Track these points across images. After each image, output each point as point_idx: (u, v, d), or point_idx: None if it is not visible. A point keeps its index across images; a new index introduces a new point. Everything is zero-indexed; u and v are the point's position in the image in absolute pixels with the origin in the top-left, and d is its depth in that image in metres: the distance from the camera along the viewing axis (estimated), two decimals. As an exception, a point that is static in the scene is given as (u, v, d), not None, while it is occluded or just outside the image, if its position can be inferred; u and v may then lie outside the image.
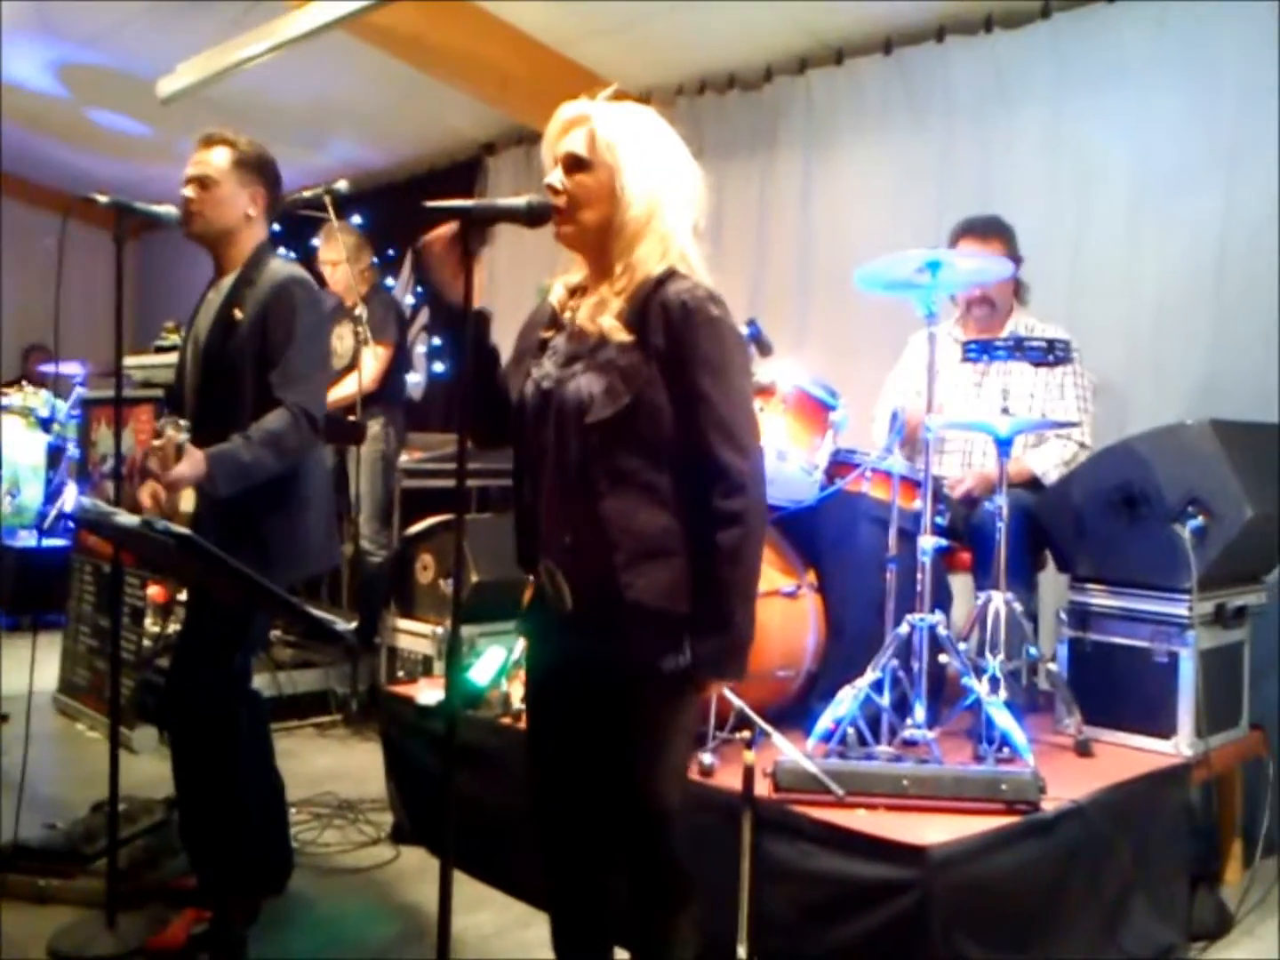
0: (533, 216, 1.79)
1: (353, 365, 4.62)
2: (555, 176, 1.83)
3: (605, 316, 1.79)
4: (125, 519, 2.01)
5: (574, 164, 1.82)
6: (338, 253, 4.77)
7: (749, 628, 1.80)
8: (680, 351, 1.76)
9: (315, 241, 5.00)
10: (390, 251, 6.36)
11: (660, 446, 1.78)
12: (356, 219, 5.03)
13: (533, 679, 2.04)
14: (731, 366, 1.80)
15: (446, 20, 4.81)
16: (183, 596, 3.99)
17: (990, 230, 3.35)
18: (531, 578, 1.92)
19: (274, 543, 2.58)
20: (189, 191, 2.65)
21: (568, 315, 1.90)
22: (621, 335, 1.77)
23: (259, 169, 2.70)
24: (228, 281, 2.68)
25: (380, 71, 5.24)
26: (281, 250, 2.80)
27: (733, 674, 1.83)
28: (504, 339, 2.00)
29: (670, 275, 1.80)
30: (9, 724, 4.20)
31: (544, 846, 1.99)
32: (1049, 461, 3.28)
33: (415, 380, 6.25)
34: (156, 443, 2.33)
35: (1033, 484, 3.27)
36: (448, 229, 1.77)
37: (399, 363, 5.08)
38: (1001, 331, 3.39)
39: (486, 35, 4.92)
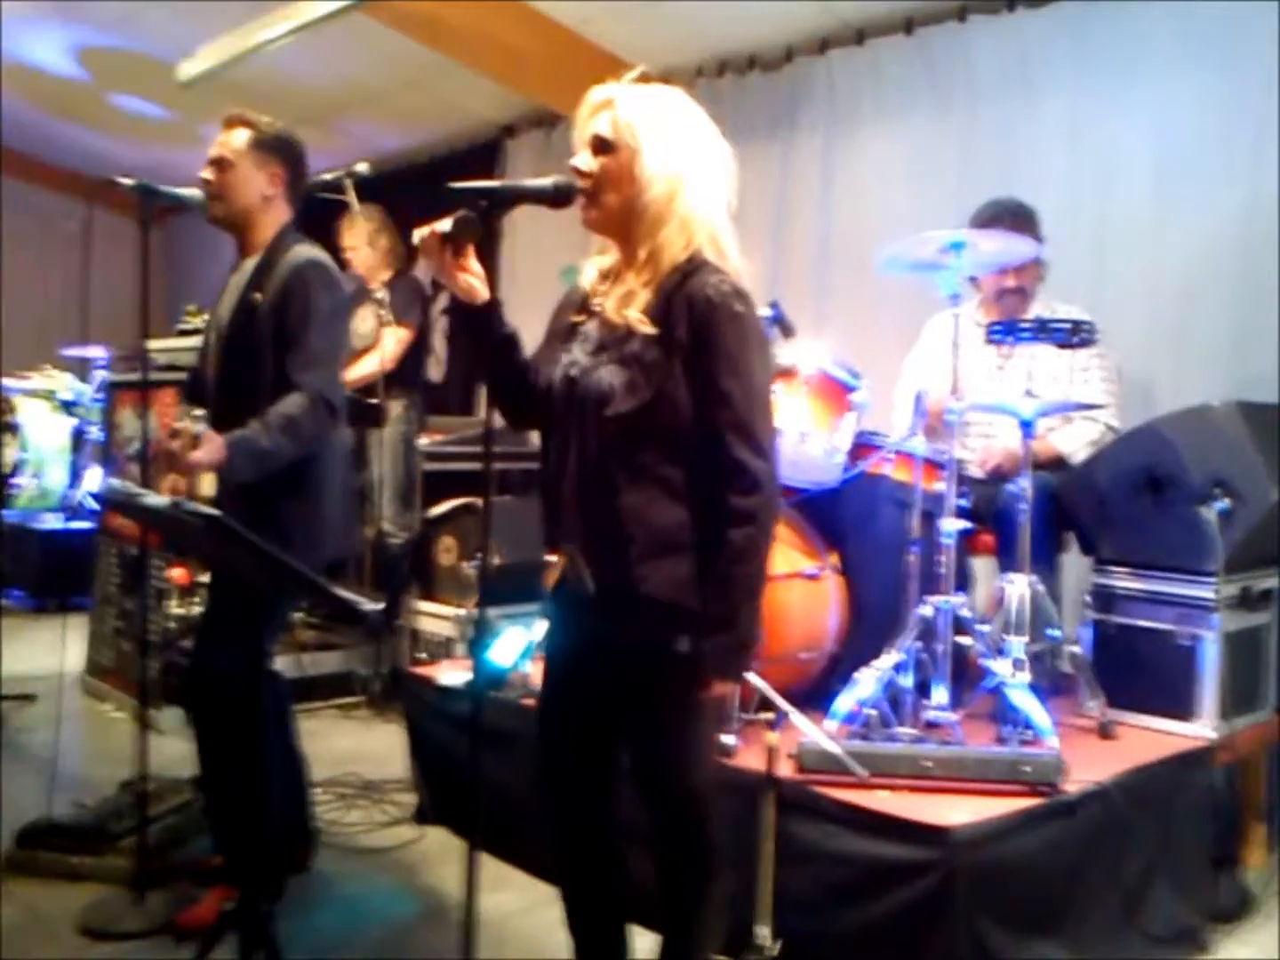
0: (559, 197, 1.79)
1: (374, 346, 4.64)
2: (581, 159, 1.83)
3: (631, 309, 1.79)
4: (153, 500, 2.02)
5: (599, 146, 1.82)
6: (356, 238, 4.78)
7: (754, 627, 1.80)
8: (702, 347, 1.76)
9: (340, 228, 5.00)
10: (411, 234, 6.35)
11: (678, 441, 1.78)
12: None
13: (553, 657, 2.05)
14: (753, 365, 1.79)
15: (464, 1, 4.80)
16: (206, 578, 4.02)
17: (1020, 219, 3.29)
18: (557, 559, 1.93)
19: (292, 527, 2.58)
20: (207, 174, 2.64)
21: (598, 301, 1.90)
22: (647, 329, 1.77)
23: (277, 148, 2.68)
24: (250, 264, 2.68)
25: (399, 54, 5.24)
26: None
27: (735, 673, 1.83)
28: (525, 324, 2.00)
29: (699, 266, 1.80)
30: (38, 704, 4.25)
31: (555, 823, 2.00)
32: (1076, 442, 3.27)
33: (436, 363, 6.26)
34: (174, 443, 2.35)
35: (1059, 464, 3.26)
36: (435, 226, 1.76)
37: (420, 345, 5.09)
38: (1029, 310, 3.37)
39: (505, 16, 4.91)
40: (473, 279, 1.81)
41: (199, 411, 2.40)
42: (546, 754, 2.01)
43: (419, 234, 1.79)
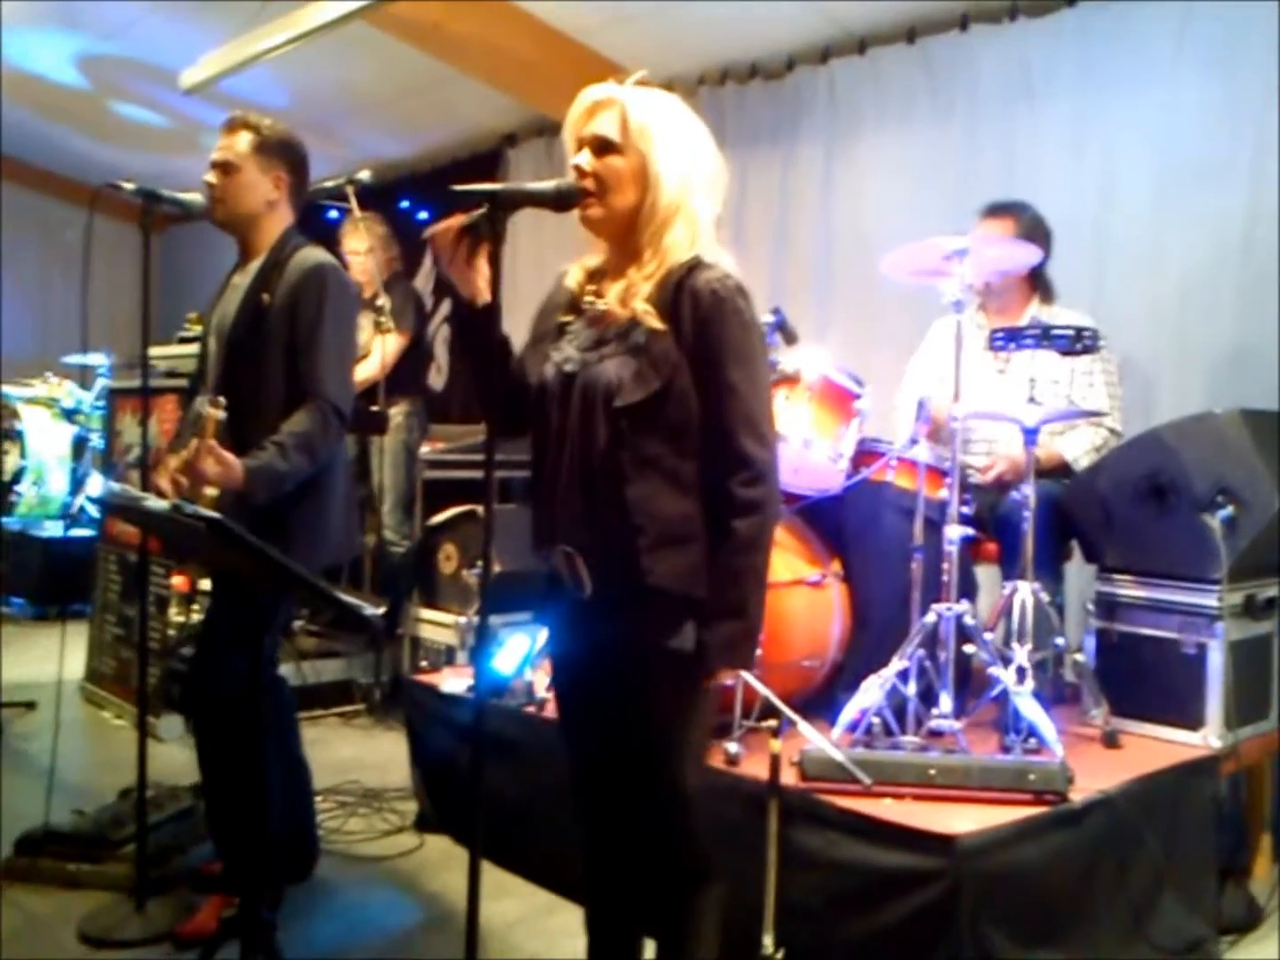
0: (561, 200, 1.79)
1: (368, 354, 4.64)
2: (583, 158, 1.83)
3: (637, 300, 1.79)
4: (154, 503, 2.01)
5: (603, 147, 1.82)
6: (364, 242, 4.78)
7: (760, 615, 1.82)
8: (708, 341, 1.77)
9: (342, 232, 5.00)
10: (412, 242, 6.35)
11: (685, 433, 1.78)
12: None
13: (558, 667, 2.04)
14: (757, 358, 1.83)
15: (466, 10, 4.81)
16: (206, 585, 4.01)
17: (1000, 209, 3.30)
18: (548, 563, 1.91)
19: (296, 531, 2.57)
20: (211, 177, 2.62)
21: (588, 299, 1.90)
22: (653, 320, 1.77)
23: (281, 152, 2.67)
24: (255, 266, 2.66)
25: (401, 62, 5.24)
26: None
27: (743, 661, 1.84)
28: (524, 326, 2.00)
29: (699, 263, 1.81)
30: (37, 712, 4.24)
31: (584, 834, 1.99)
32: (1080, 447, 3.25)
33: (438, 371, 6.27)
34: (195, 442, 2.33)
35: (1063, 470, 3.24)
36: (454, 221, 1.77)
37: (420, 353, 5.09)
38: (1020, 316, 3.36)
39: (507, 25, 4.91)
40: (480, 279, 1.81)
41: (221, 399, 2.37)
42: (574, 769, 1.99)
43: (436, 227, 1.79)
